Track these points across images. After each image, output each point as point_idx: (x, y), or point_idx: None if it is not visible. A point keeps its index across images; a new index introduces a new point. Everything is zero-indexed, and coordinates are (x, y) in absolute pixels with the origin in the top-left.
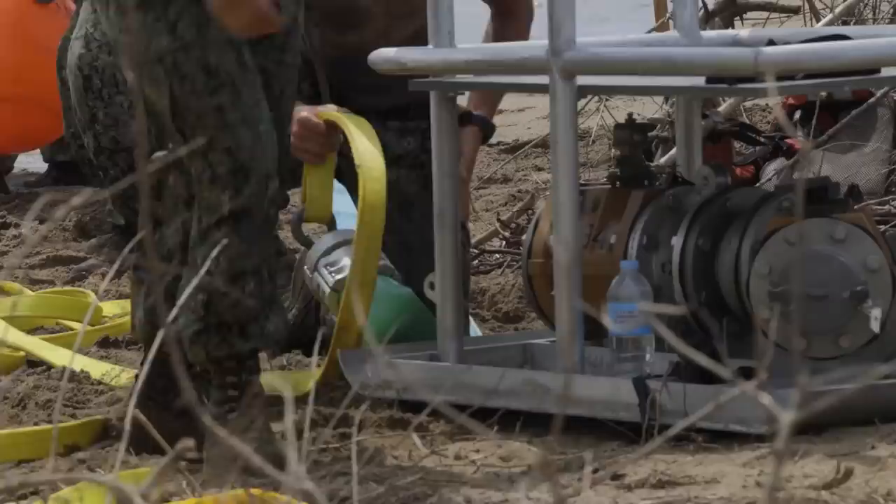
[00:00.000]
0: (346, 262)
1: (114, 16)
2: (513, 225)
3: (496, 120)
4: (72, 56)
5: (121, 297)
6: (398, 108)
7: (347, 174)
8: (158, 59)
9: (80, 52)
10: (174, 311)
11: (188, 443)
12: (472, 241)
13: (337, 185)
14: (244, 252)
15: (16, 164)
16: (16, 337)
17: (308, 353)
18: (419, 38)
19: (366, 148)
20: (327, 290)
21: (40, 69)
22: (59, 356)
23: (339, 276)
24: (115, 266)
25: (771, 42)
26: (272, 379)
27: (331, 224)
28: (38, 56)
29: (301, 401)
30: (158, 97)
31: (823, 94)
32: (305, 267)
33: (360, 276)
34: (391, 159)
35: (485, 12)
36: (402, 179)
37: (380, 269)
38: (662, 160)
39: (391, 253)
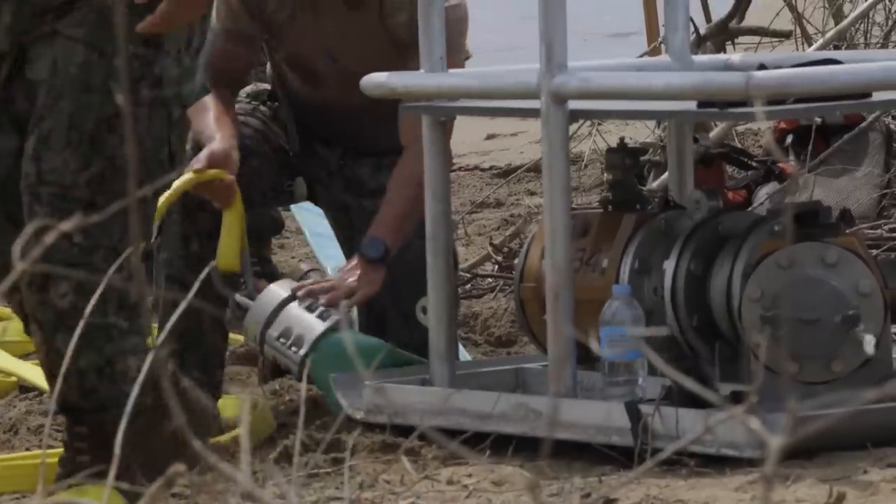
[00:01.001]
0: (299, 331)
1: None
2: (505, 249)
3: (490, 144)
4: None
5: None
6: (373, 149)
7: (322, 199)
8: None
9: None
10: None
11: (179, 467)
12: (465, 265)
13: (315, 208)
14: None
15: None
16: (7, 362)
17: (300, 378)
18: (380, 104)
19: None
20: (296, 366)
21: None
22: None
23: (302, 352)
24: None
25: (762, 66)
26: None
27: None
28: None
29: (292, 425)
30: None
31: (819, 120)
32: (249, 335)
33: None
34: (368, 192)
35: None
36: (378, 210)
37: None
38: (654, 184)
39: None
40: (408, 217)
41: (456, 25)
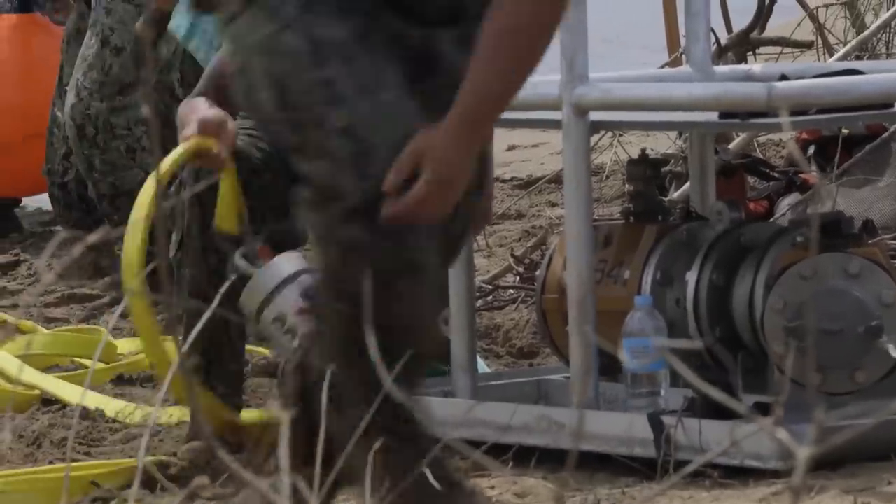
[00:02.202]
0: (294, 319)
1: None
2: (527, 260)
3: (511, 155)
4: (66, 106)
5: (135, 334)
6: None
7: None
8: (259, 47)
9: (73, 102)
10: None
11: (203, 480)
12: (486, 276)
13: None
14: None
15: (31, 203)
16: (30, 375)
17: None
18: None
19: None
20: (288, 354)
21: None
22: (73, 394)
23: (294, 343)
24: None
25: (784, 77)
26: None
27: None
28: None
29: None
30: (266, 94)
31: (846, 131)
32: (247, 308)
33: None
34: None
35: None
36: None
37: None
38: (675, 195)
39: None
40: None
41: None
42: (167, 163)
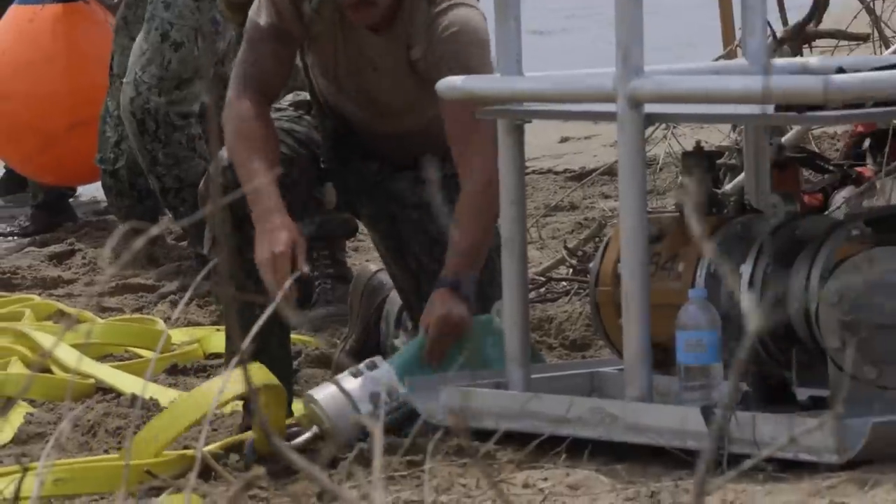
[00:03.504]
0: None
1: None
2: (580, 252)
3: (563, 147)
4: (123, 100)
5: (189, 324)
6: (408, 163)
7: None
8: None
9: (131, 97)
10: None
11: (259, 471)
12: (539, 268)
13: None
14: None
15: (85, 192)
16: (87, 364)
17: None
18: (409, 129)
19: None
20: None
21: (107, 87)
22: (128, 384)
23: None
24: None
25: (840, 70)
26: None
27: None
28: (103, 75)
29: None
30: None
31: None
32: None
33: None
34: (412, 204)
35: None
36: (425, 221)
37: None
38: (728, 187)
39: (426, 292)
40: (483, 244)
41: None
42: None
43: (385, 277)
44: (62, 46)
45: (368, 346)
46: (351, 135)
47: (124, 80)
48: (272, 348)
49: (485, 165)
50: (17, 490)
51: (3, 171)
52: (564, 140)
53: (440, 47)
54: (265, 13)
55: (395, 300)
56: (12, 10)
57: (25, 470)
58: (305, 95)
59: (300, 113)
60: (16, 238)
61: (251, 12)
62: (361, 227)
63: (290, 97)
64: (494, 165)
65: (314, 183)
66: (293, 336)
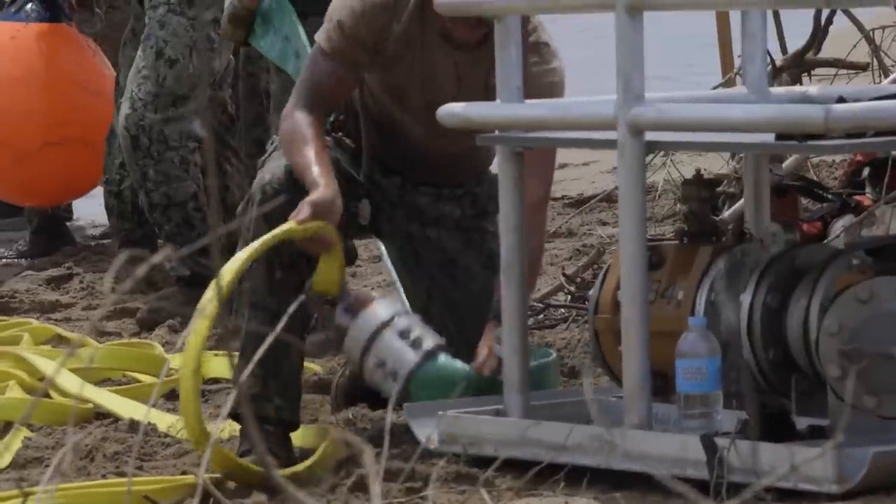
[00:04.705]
0: (392, 364)
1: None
2: (578, 279)
3: (562, 173)
4: (120, 117)
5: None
6: (432, 179)
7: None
8: None
9: (127, 113)
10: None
11: (260, 497)
12: (538, 295)
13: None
14: None
15: (83, 216)
16: (85, 389)
17: (373, 407)
18: (463, 148)
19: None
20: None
21: (85, 110)
22: (126, 408)
23: (396, 388)
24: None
25: (841, 99)
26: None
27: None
28: (82, 97)
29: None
30: None
31: None
32: (350, 358)
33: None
34: (430, 220)
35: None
36: (443, 238)
37: (435, 347)
38: (726, 215)
39: (438, 311)
40: (534, 261)
41: (553, 91)
42: (273, 237)
43: (388, 303)
44: (43, 65)
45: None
46: (384, 149)
47: (122, 98)
48: (284, 372)
49: (539, 187)
50: None
51: None
52: (563, 167)
53: (532, 88)
54: (332, 39)
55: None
56: None
57: (26, 495)
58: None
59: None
60: (14, 261)
61: (318, 35)
62: (361, 252)
63: None
64: (549, 187)
65: (349, 197)
66: None
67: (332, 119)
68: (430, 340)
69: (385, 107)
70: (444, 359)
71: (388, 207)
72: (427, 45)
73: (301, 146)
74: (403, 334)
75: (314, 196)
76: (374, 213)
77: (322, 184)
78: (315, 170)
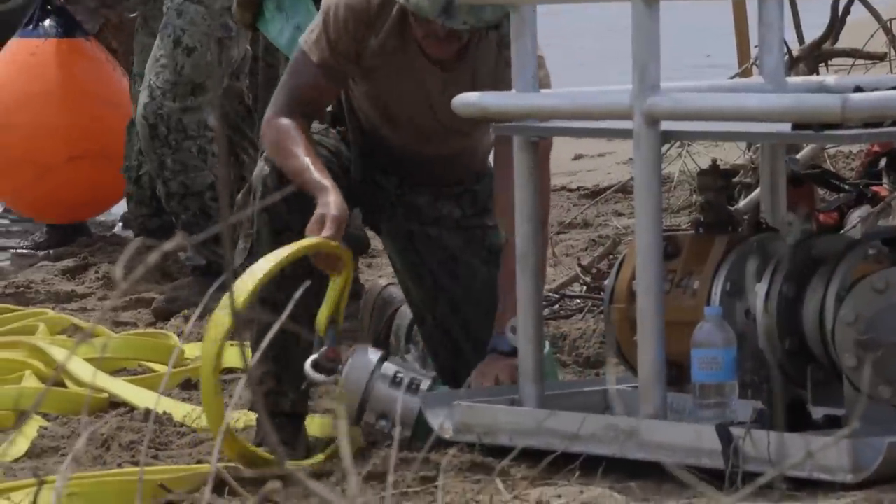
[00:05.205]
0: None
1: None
2: (593, 270)
3: (577, 164)
4: (138, 106)
5: (202, 339)
6: (430, 179)
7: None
8: None
9: (145, 102)
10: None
11: (275, 485)
12: (553, 285)
13: None
14: None
15: None
16: (100, 379)
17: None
18: (455, 151)
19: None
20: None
21: (105, 124)
22: (141, 398)
23: (408, 434)
24: (199, 309)
25: (858, 89)
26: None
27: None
28: (102, 111)
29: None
30: None
31: None
32: (346, 411)
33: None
34: (430, 220)
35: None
36: (444, 236)
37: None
38: (741, 205)
39: (441, 310)
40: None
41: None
42: (288, 253)
43: (395, 291)
44: (63, 80)
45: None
46: (379, 151)
47: (140, 87)
48: (297, 364)
49: (542, 181)
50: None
51: None
52: (578, 157)
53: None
54: (317, 47)
55: (405, 314)
56: (14, 43)
57: (41, 483)
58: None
59: (325, 126)
60: (30, 252)
61: (301, 39)
62: (375, 243)
63: None
64: (549, 179)
65: (351, 195)
66: None
67: (331, 111)
68: (425, 380)
69: (370, 116)
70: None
71: (388, 207)
72: (407, 60)
73: (292, 150)
74: (395, 381)
75: (334, 210)
76: (373, 211)
77: (332, 190)
78: (316, 175)
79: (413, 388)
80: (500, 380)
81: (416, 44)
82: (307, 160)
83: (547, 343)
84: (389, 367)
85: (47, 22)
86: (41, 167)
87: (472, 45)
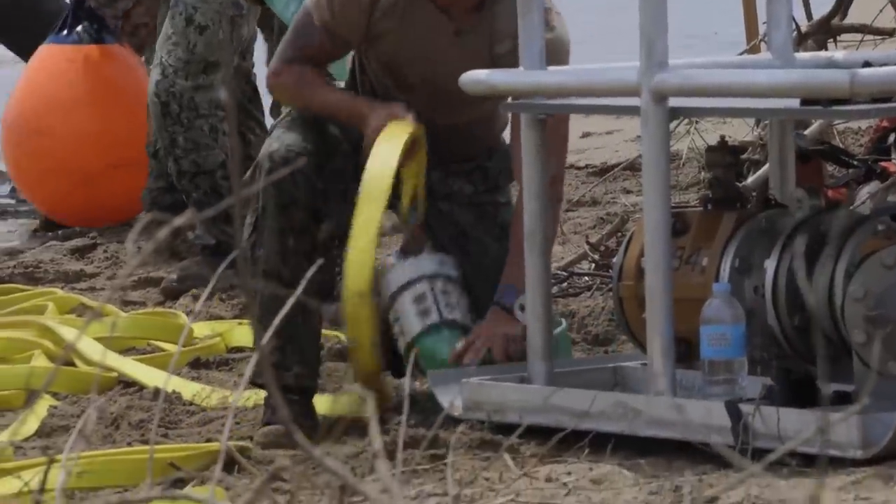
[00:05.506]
0: (402, 325)
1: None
2: (602, 247)
3: (585, 142)
4: (150, 84)
5: (211, 318)
6: (440, 156)
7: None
8: None
9: (157, 79)
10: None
11: (284, 462)
12: (562, 263)
13: None
14: None
15: None
16: (110, 358)
17: (396, 374)
18: (467, 123)
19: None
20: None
21: (143, 130)
22: (151, 377)
23: (402, 346)
24: (208, 288)
25: (867, 64)
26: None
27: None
28: (139, 117)
29: (389, 421)
30: None
31: None
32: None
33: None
34: (441, 196)
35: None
36: (455, 212)
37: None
38: (750, 181)
39: None
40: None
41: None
42: (398, 145)
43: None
44: (101, 86)
45: (388, 336)
46: None
47: (152, 65)
48: (301, 339)
49: (554, 163)
50: (44, 481)
51: None
52: (586, 135)
53: None
54: (320, 10)
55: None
56: (46, 49)
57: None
58: (338, 83)
59: None
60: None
61: (307, 2)
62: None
63: None
64: (564, 163)
65: (357, 171)
66: None
67: (345, 83)
68: (434, 315)
69: (383, 83)
70: (432, 339)
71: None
72: (419, 18)
73: (318, 87)
74: (418, 300)
75: (393, 107)
76: None
77: (376, 102)
78: (351, 99)
79: (424, 314)
80: (493, 354)
81: (426, 1)
82: (338, 93)
83: (564, 321)
84: (420, 286)
85: (80, 27)
86: (82, 175)
87: (488, 1)
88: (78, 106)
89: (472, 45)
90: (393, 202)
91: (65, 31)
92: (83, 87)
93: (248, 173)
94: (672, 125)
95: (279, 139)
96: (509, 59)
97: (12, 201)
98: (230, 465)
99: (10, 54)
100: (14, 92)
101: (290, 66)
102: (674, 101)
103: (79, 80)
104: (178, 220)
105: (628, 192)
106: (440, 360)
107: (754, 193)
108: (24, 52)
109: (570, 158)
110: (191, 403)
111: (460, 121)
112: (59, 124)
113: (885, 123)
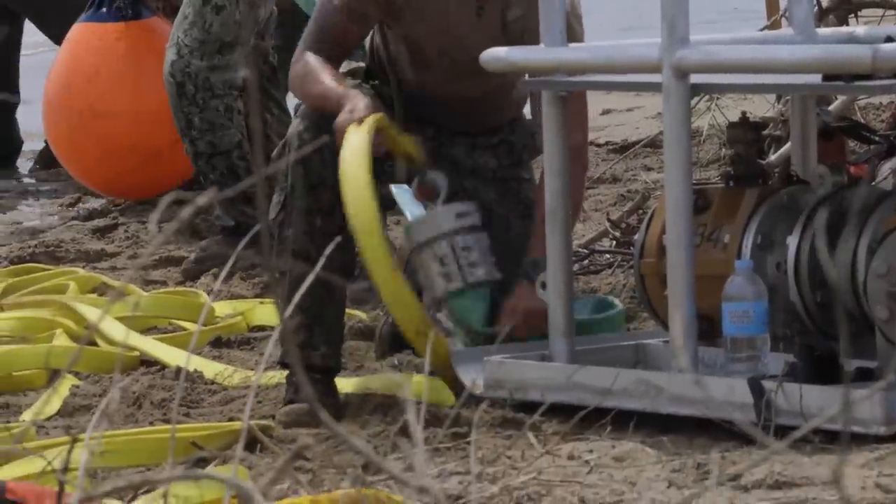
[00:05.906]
0: (424, 281)
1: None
2: (623, 225)
3: (605, 119)
4: (165, 64)
5: (232, 297)
6: (466, 129)
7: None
8: None
9: (173, 59)
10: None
11: (307, 440)
12: (582, 241)
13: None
14: None
15: None
16: (131, 337)
17: (418, 353)
18: (490, 95)
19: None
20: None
21: None
22: (172, 356)
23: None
24: (227, 266)
25: (889, 39)
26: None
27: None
28: None
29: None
30: None
31: None
32: (417, 238)
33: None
34: (466, 171)
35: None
36: (480, 189)
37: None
38: (773, 158)
39: None
40: (573, 223)
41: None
42: (370, 126)
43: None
44: (154, 62)
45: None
46: (416, 100)
47: (167, 44)
48: (328, 318)
49: (578, 132)
50: (67, 460)
51: (43, 143)
52: (606, 112)
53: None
54: None
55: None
56: (84, 27)
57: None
58: (359, 64)
59: (358, 82)
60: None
61: None
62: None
63: (342, 66)
64: (587, 132)
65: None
66: None
67: (365, 67)
68: (457, 280)
69: (404, 59)
70: (459, 303)
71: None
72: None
73: (317, 77)
74: (442, 261)
75: (357, 101)
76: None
77: (356, 93)
78: (338, 89)
79: (448, 277)
80: (516, 332)
81: None
82: (330, 83)
83: (619, 302)
84: (442, 247)
85: (118, 3)
86: (147, 152)
87: None
88: (139, 83)
89: (488, 16)
90: (386, 173)
91: (103, 9)
92: (139, 63)
93: (276, 151)
94: (693, 102)
95: (307, 117)
96: (520, 24)
97: (33, 180)
98: (252, 444)
99: (30, 39)
100: (55, 72)
101: (306, 55)
102: (695, 78)
103: (133, 56)
104: (202, 200)
105: (649, 168)
106: (466, 325)
107: (777, 170)
108: (56, 30)
109: (591, 135)
110: (212, 382)
111: (480, 91)
112: (124, 104)
113: None
